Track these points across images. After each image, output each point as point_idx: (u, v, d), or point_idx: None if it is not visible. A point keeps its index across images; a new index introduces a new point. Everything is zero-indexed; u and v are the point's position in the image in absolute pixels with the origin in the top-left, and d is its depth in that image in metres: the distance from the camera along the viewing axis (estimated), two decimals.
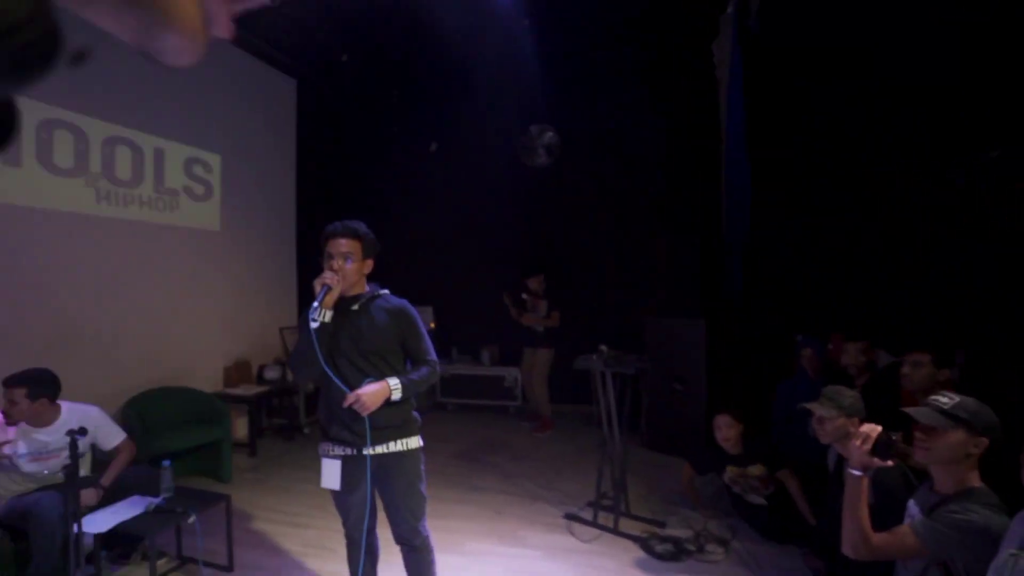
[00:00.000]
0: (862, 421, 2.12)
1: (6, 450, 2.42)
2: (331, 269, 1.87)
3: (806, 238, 4.49)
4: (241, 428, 4.72)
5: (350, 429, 1.91)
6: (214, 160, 4.76)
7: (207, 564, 2.56)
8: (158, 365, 4.09)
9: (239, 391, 4.54)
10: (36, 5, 0.33)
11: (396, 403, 1.93)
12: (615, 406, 3.12)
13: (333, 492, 1.98)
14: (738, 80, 3.72)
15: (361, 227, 1.97)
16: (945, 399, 1.59)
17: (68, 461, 1.93)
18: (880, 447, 1.53)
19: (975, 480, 1.56)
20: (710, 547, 2.76)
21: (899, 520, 1.67)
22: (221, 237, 4.82)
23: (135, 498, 2.49)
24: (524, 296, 5.08)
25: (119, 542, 2.57)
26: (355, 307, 1.95)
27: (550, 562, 2.75)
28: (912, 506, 1.71)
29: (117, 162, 3.89)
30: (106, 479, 2.57)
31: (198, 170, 4.60)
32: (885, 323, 3.78)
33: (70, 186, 3.58)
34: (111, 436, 2.68)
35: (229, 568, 2.63)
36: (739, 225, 4.22)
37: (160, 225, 4.23)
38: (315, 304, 1.82)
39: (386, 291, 2.06)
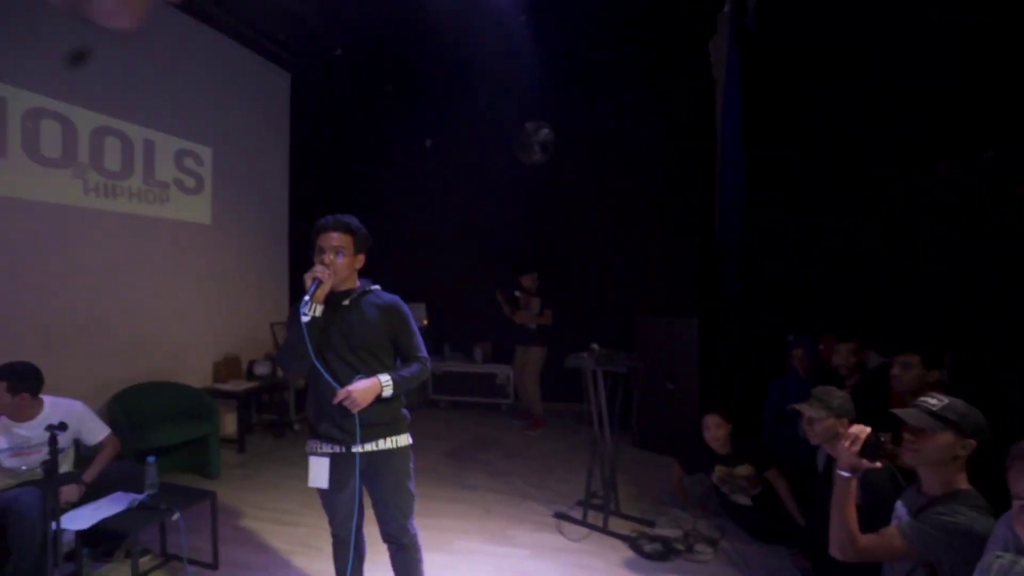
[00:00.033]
0: (852, 422, 2.12)
1: None
2: (322, 263, 1.85)
3: (800, 238, 4.48)
4: (230, 424, 4.69)
5: (339, 426, 1.89)
6: (205, 153, 4.70)
7: (192, 562, 2.53)
8: (146, 360, 4.05)
9: (228, 387, 4.49)
10: None
11: (386, 400, 1.90)
12: (606, 405, 3.11)
13: (320, 490, 1.95)
14: (734, 79, 3.71)
15: (353, 221, 1.94)
16: (934, 401, 1.59)
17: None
18: (868, 448, 1.53)
19: (963, 482, 1.56)
20: (699, 547, 2.76)
21: (887, 521, 1.67)
22: (212, 231, 4.77)
23: (118, 494, 2.46)
24: (517, 293, 5.06)
25: (102, 539, 2.53)
26: (346, 302, 1.93)
27: (538, 561, 2.73)
28: (900, 507, 1.70)
29: (106, 153, 3.83)
30: (88, 475, 2.53)
31: (189, 162, 4.55)
32: (877, 324, 3.78)
33: (57, 177, 3.52)
34: (95, 431, 2.65)
35: (214, 566, 2.60)
36: (734, 224, 4.21)
37: (150, 218, 4.18)
38: (306, 298, 1.78)
39: (377, 287, 2.03)
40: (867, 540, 1.54)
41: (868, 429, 1.55)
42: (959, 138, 3.60)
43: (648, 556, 2.69)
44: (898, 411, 1.62)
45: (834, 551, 1.58)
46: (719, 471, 3.04)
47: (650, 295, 4.81)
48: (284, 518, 3.21)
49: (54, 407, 2.53)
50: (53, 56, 3.38)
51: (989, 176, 3.29)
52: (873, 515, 1.80)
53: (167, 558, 2.66)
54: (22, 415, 2.46)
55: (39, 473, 2.35)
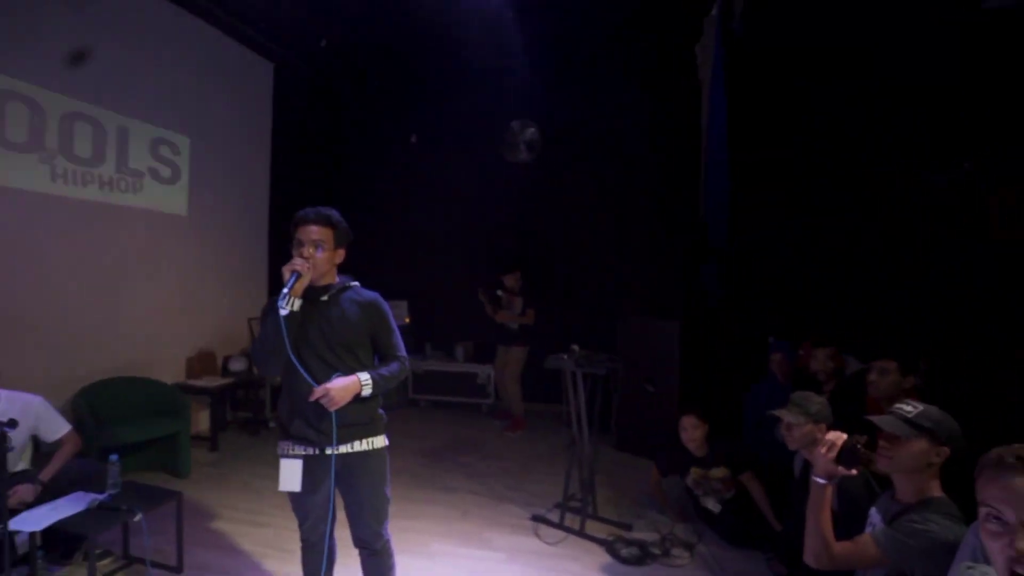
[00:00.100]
0: (829, 428, 2.12)
1: None
2: (301, 256, 1.78)
3: (783, 242, 4.52)
4: (203, 421, 4.57)
5: (314, 427, 1.82)
6: (183, 142, 4.58)
7: (155, 564, 2.44)
8: (115, 354, 3.92)
9: (201, 383, 4.38)
10: None
11: (364, 400, 1.84)
12: (585, 406, 3.08)
13: (291, 493, 1.87)
14: (720, 82, 3.71)
15: (334, 214, 1.87)
16: (909, 407, 1.58)
17: None
18: (845, 455, 1.51)
19: (936, 489, 1.55)
20: (675, 551, 2.74)
21: (862, 528, 1.66)
22: (188, 222, 4.65)
23: (78, 494, 2.35)
24: (500, 293, 5.02)
25: (60, 541, 2.43)
26: (324, 298, 1.86)
27: (514, 565, 2.70)
28: (874, 514, 1.70)
29: (76, 139, 3.70)
30: (46, 474, 2.42)
31: (165, 151, 4.42)
32: (856, 329, 3.82)
33: (22, 162, 3.39)
34: (54, 428, 2.54)
35: (178, 569, 2.51)
36: (718, 228, 4.23)
37: (122, 207, 4.05)
38: (284, 291, 1.71)
39: (356, 283, 1.97)
40: (841, 548, 1.53)
41: (845, 436, 1.54)
42: (948, 142, 3.65)
43: (624, 560, 2.67)
44: (874, 418, 1.62)
45: (808, 559, 1.57)
46: (694, 472, 3.04)
47: (633, 297, 4.82)
48: (256, 519, 3.13)
49: (11, 401, 2.42)
50: (20, 36, 3.25)
51: (968, 185, 3.35)
52: (849, 522, 1.80)
53: (129, 561, 2.57)
54: None
55: None
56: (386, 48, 5.57)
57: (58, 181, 3.59)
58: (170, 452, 3.73)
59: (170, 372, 4.38)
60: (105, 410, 3.52)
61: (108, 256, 3.94)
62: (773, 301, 4.46)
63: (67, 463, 2.52)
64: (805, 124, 4.34)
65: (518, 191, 5.87)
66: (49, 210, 3.54)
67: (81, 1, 3.59)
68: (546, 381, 4.80)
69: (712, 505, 2.95)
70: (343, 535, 2.01)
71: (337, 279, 1.93)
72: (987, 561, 1.20)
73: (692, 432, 3.03)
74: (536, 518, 3.18)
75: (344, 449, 1.85)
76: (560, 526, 3.05)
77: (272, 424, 4.87)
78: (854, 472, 1.54)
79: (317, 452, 1.84)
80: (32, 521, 2.12)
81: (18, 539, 2.25)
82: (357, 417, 1.86)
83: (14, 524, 2.06)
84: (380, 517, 1.95)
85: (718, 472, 2.96)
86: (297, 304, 1.77)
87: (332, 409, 1.76)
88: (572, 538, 2.95)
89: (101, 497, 2.31)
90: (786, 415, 2.20)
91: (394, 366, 1.93)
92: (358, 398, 1.82)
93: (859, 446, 1.51)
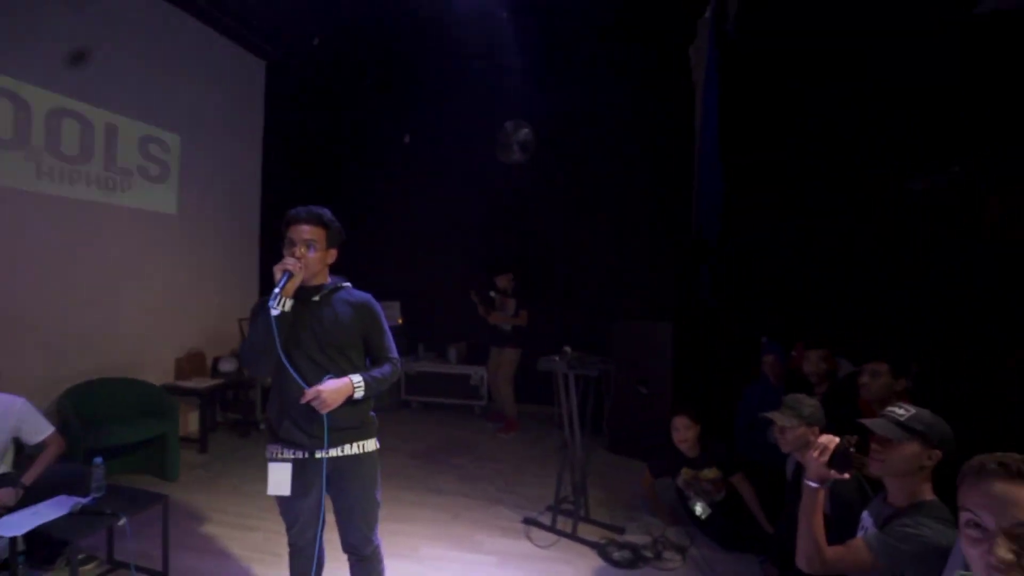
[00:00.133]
0: (822, 430, 2.11)
1: None
2: (292, 256, 1.75)
3: (777, 243, 4.53)
4: (192, 423, 4.52)
5: (304, 430, 1.79)
6: (173, 140, 4.52)
7: (140, 569, 2.39)
8: (102, 355, 3.86)
9: (191, 384, 4.33)
10: None
11: (356, 402, 1.82)
12: (577, 409, 3.07)
13: (279, 497, 1.84)
14: (713, 84, 3.71)
15: (326, 214, 1.84)
16: (901, 411, 1.58)
17: None
18: (838, 459, 1.50)
19: (928, 493, 1.55)
20: (667, 554, 2.73)
21: (855, 531, 1.66)
22: (178, 221, 4.59)
23: (61, 498, 2.31)
24: (492, 294, 5.00)
25: (43, 545, 2.38)
26: (316, 298, 1.83)
27: (505, 568, 2.67)
28: (866, 517, 1.69)
29: (63, 136, 3.65)
30: (28, 477, 2.37)
31: (154, 149, 4.37)
32: (850, 331, 3.83)
33: (7, 159, 3.34)
34: (37, 429, 2.49)
35: (164, 574, 2.46)
36: (712, 229, 4.23)
37: (110, 205, 4.00)
38: (275, 291, 1.68)
39: (348, 284, 1.94)
40: (834, 552, 1.52)
41: (837, 439, 1.53)
42: (941, 145, 3.67)
43: (616, 564, 2.66)
44: (866, 421, 1.61)
45: (801, 563, 1.56)
46: (685, 473, 3.03)
47: (626, 298, 4.81)
48: (245, 523, 3.09)
49: None
50: (5, 31, 3.20)
51: (960, 187, 3.37)
52: (841, 525, 1.79)
53: (114, 565, 2.53)
54: None
55: None
56: (379, 47, 5.55)
57: (44, 179, 3.53)
58: (158, 454, 3.68)
59: (158, 373, 4.32)
60: (91, 412, 3.47)
61: (95, 255, 3.89)
62: (766, 303, 4.47)
63: (50, 466, 2.47)
64: (799, 126, 4.35)
65: (512, 192, 5.85)
66: (34, 208, 3.49)
67: None
68: (539, 383, 4.79)
69: (700, 510, 2.94)
70: (332, 538, 1.98)
71: (329, 279, 1.90)
72: None
73: (684, 433, 3.01)
74: (528, 521, 3.16)
75: (334, 453, 1.82)
76: (552, 529, 3.03)
77: (263, 426, 4.82)
78: (846, 476, 1.53)
79: (306, 456, 1.81)
80: (13, 526, 2.08)
81: None
82: (348, 420, 1.83)
83: None
84: (370, 522, 1.93)
85: (709, 473, 2.96)
86: (288, 304, 1.74)
87: (324, 412, 1.74)
88: (564, 541, 2.93)
89: (84, 501, 2.27)
90: (779, 418, 2.19)
91: (386, 368, 1.90)
92: (350, 400, 1.79)
93: (851, 449, 1.50)
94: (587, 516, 3.13)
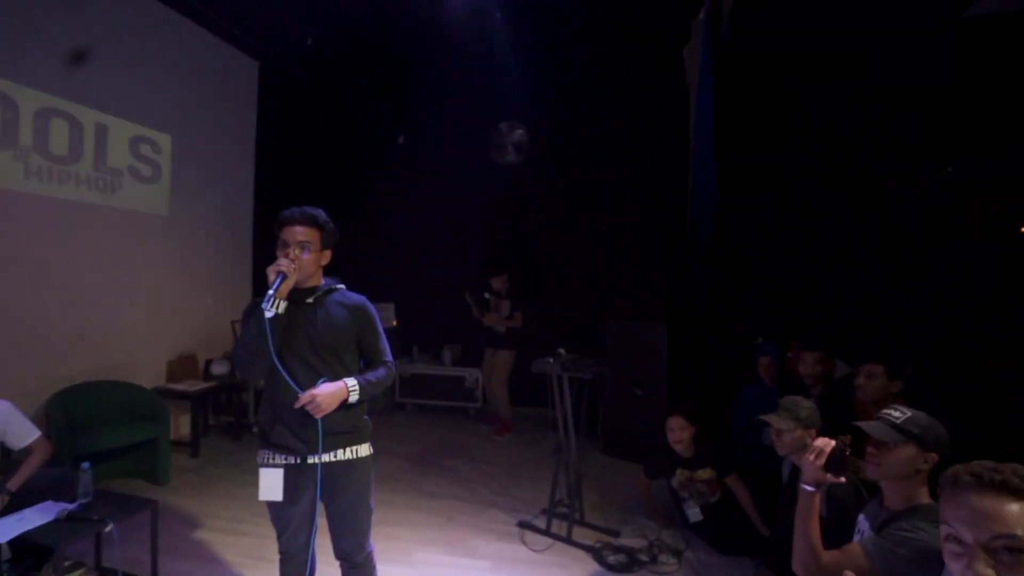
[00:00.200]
0: (818, 433, 2.10)
1: None
2: (286, 257, 1.72)
3: (773, 244, 4.53)
4: (184, 427, 4.47)
5: (297, 435, 1.76)
6: (164, 140, 4.48)
7: (127, 575, 2.36)
8: (91, 358, 3.81)
9: (182, 387, 4.28)
10: None
11: (350, 406, 1.79)
12: (571, 411, 3.05)
13: (270, 503, 1.82)
14: (707, 85, 3.71)
15: (320, 215, 1.82)
16: (897, 413, 1.57)
17: None
18: (834, 462, 1.49)
19: (924, 496, 1.54)
20: (663, 557, 2.72)
21: (851, 534, 1.64)
22: (169, 222, 4.55)
23: (46, 504, 2.27)
24: (487, 295, 4.98)
25: (30, 551, 2.34)
26: (310, 300, 1.81)
27: (499, 573, 2.65)
28: (862, 521, 1.68)
29: (52, 136, 3.60)
30: (13, 483, 2.33)
31: (145, 150, 4.32)
32: (845, 333, 3.83)
33: None
34: (22, 434, 2.44)
35: None
36: (705, 230, 4.22)
37: (100, 206, 3.95)
38: (269, 292, 1.65)
39: (342, 286, 1.92)
40: (830, 557, 1.50)
41: (833, 442, 1.52)
42: (938, 145, 3.68)
43: (611, 568, 2.64)
44: (862, 424, 1.60)
45: (797, 568, 1.54)
46: (680, 474, 3.01)
47: (621, 299, 4.79)
48: (236, 528, 3.05)
49: None
50: None
51: (956, 188, 3.37)
52: (837, 529, 1.78)
53: (102, 572, 2.48)
54: None
55: None
56: (373, 48, 5.52)
57: (32, 179, 3.49)
58: (149, 459, 3.63)
59: (149, 376, 4.28)
60: (81, 415, 3.42)
61: (85, 256, 3.84)
62: (762, 303, 4.47)
63: (37, 471, 2.42)
64: (797, 126, 4.35)
65: (506, 193, 5.84)
66: (22, 209, 3.44)
67: None
68: (535, 385, 4.76)
69: (692, 516, 2.92)
70: (323, 543, 1.95)
71: (323, 281, 1.88)
72: None
73: (679, 433, 3.00)
74: (523, 524, 3.14)
75: (327, 458, 1.79)
76: (547, 533, 3.01)
77: (255, 429, 4.77)
78: (843, 480, 1.52)
79: (298, 461, 1.79)
80: None
81: None
82: (342, 424, 1.81)
83: None
84: (364, 529, 1.90)
85: (704, 473, 2.94)
86: (282, 306, 1.71)
87: (318, 416, 1.71)
88: (559, 545, 2.91)
89: (71, 507, 2.22)
90: (776, 420, 2.18)
91: (381, 371, 1.88)
92: (344, 404, 1.77)
93: (847, 452, 1.49)
94: (582, 519, 3.11)
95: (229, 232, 5.26)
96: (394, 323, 5.82)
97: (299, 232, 1.76)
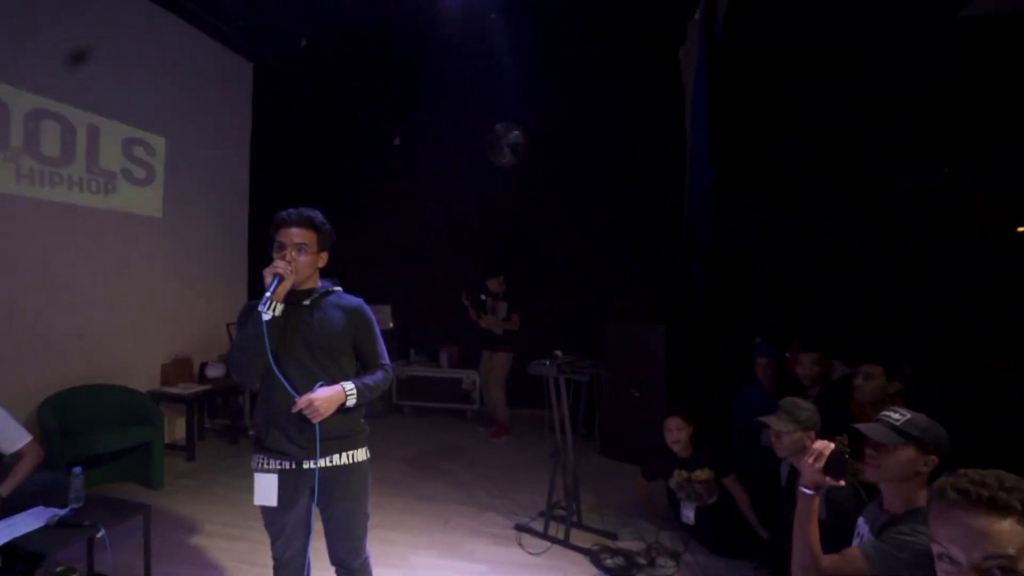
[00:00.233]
0: (818, 434, 2.09)
1: None
2: (283, 259, 1.70)
3: (772, 245, 4.53)
4: (180, 430, 4.44)
5: (292, 439, 1.73)
6: (158, 142, 4.45)
7: None
8: (85, 361, 3.78)
9: (177, 390, 4.24)
10: None
11: (347, 410, 1.76)
12: (568, 413, 3.03)
13: (264, 508, 1.79)
14: (703, 86, 3.70)
15: (317, 216, 1.79)
16: (897, 415, 1.55)
17: None
18: (833, 465, 1.48)
19: (924, 499, 1.52)
20: (661, 560, 2.70)
21: (851, 537, 1.63)
22: (163, 224, 4.52)
23: (38, 509, 2.23)
24: (484, 297, 4.95)
25: (20, 559, 2.31)
26: (306, 302, 1.78)
27: None
28: (862, 524, 1.67)
29: (43, 138, 3.57)
30: (4, 488, 2.30)
31: (139, 152, 4.29)
32: (844, 334, 3.83)
33: None
34: (12, 438, 2.41)
35: None
36: (703, 231, 4.21)
37: (93, 209, 3.92)
38: (266, 295, 1.63)
39: (339, 288, 1.89)
40: (830, 561, 1.49)
41: (832, 445, 1.50)
42: (936, 146, 3.67)
43: (609, 571, 2.62)
44: (860, 426, 1.59)
45: (796, 572, 1.52)
46: (678, 475, 2.99)
47: (619, 300, 4.78)
48: (231, 532, 3.02)
49: None
50: None
51: (955, 189, 3.37)
52: (836, 532, 1.77)
53: None
54: None
55: None
56: (368, 49, 5.50)
57: (23, 181, 3.46)
58: (143, 462, 3.60)
59: (144, 379, 4.24)
60: (74, 419, 3.39)
61: (78, 259, 3.81)
62: (761, 304, 4.46)
63: (27, 476, 2.39)
64: (796, 126, 4.35)
65: (502, 194, 5.82)
66: (13, 211, 3.41)
67: None
68: (532, 386, 4.73)
69: (687, 517, 2.90)
70: (319, 547, 1.93)
71: (320, 283, 1.85)
72: None
73: (677, 434, 2.98)
74: (520, 527, 3.11)
75: (323, 463, 1.76)
76: (544, 536, 2.99)
77: (251, 432, 4.73)
78: (842, 483, 1.50)
79: (293, 466, 1.76)
80: None
81: None
82: (339, 429, 1.78)
83: None
84: (360, 534, 1.87)
85: (702, 474, 2.92)
86: (279, 309, 1.68)
87: (316, 420, 1.68)
88: (556, 548, 2.89)
89: (62, 512, 2.19)
90: (775, 422, 2.16)
91: (378, 375, 1.86)
92: (341, 408, 1.74)
93: (846, 455, 1.48)
94: (580, 522, 3.09)
95: (224, 233, 5.23)
96: (391, 325, 5.79)
97: (296, 234, 1.74)
